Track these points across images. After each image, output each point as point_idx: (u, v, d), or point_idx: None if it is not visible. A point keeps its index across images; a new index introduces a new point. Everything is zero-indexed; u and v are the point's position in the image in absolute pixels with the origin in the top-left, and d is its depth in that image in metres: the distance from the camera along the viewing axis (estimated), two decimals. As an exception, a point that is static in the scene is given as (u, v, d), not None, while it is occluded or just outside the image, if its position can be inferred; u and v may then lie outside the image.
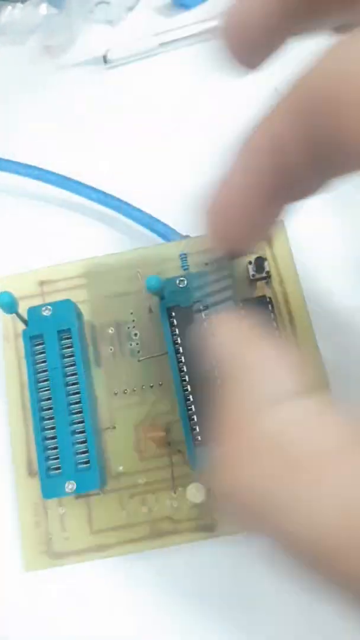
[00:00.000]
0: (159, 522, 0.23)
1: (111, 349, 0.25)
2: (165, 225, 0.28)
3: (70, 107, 0.34)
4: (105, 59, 0.35)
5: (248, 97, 0.34)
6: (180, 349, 0.23)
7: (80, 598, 0.24)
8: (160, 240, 0.28)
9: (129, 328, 0.26)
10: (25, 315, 0.24)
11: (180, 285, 0.24)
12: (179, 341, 0.23)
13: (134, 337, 0.25)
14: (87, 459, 0.22)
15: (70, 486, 0.21)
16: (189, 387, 0.22)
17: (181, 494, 0.23)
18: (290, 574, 0.12)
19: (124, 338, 0.25)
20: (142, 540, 0.23)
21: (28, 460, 0.24)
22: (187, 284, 0.24)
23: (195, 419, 0.22)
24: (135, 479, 0.23)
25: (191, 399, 0.22)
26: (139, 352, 0.25)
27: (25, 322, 0.24)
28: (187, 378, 0.22)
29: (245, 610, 0.23)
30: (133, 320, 0.26)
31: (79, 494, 0.22)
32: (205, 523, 0.23)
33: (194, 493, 0.23)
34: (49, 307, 0.24)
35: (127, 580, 0.23)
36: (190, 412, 0.22)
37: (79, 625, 0.23)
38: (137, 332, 0.25)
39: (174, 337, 0.23)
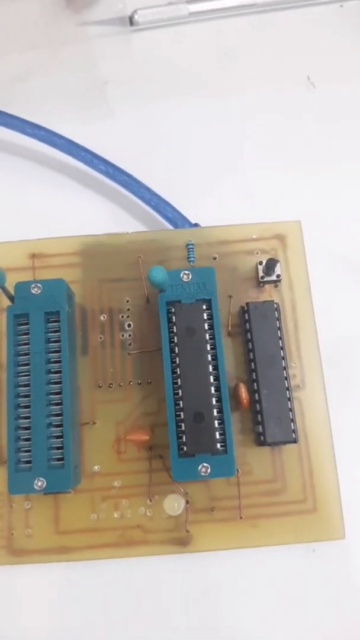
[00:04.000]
0: (130, 530, 0.21)
1: (101, 338, 0.23)
2: (174, 209, 0.26)
3: (91, 67, 0.31)
4: (131, 20, 0.33)
5: (279, 83, 0.31)
6: (177, 348, 0.21)
7: (37, 598, 0.22)
8: (167, 225, 0.26)
9: (122, 317, 0.24)
10: (12, 290, 0.22)
11: (185, 280, 0.22)
12: (176, 340, 0.21)
13: (127, 328, 0.23)
14: (61, 456, 0.20)
15: (39, 483, 0.20)
16: (180, 391, 0.20)
17: (157, 503, 0.22)
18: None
19: (116, 327, 0.23)
20: (109, 547, 0.21)
21: (-4, 446, 0.22)
22: (191, 278, 0.22)
23: (184, 427, 0.20)
24: (110, 481, 0.22)
25: (181, 405, 0.20)
26: (130, 344, 0.23)
27: (11, 298, 0.22)
28: (179, 381, 0.20)
29: (209, 632, 0.22)
30: (128, 309, 0.24)
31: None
32: (179, 536, 0.21)
33: (172, 505, 0.21)
34: (39, 284, 0.22)
35: (88, 586, 0.22)
36: (178, 417, 0.20)
37: (30, 624, 0.22)
38: (131, 322, 0.24)
39: (171, 334, 0.21)
